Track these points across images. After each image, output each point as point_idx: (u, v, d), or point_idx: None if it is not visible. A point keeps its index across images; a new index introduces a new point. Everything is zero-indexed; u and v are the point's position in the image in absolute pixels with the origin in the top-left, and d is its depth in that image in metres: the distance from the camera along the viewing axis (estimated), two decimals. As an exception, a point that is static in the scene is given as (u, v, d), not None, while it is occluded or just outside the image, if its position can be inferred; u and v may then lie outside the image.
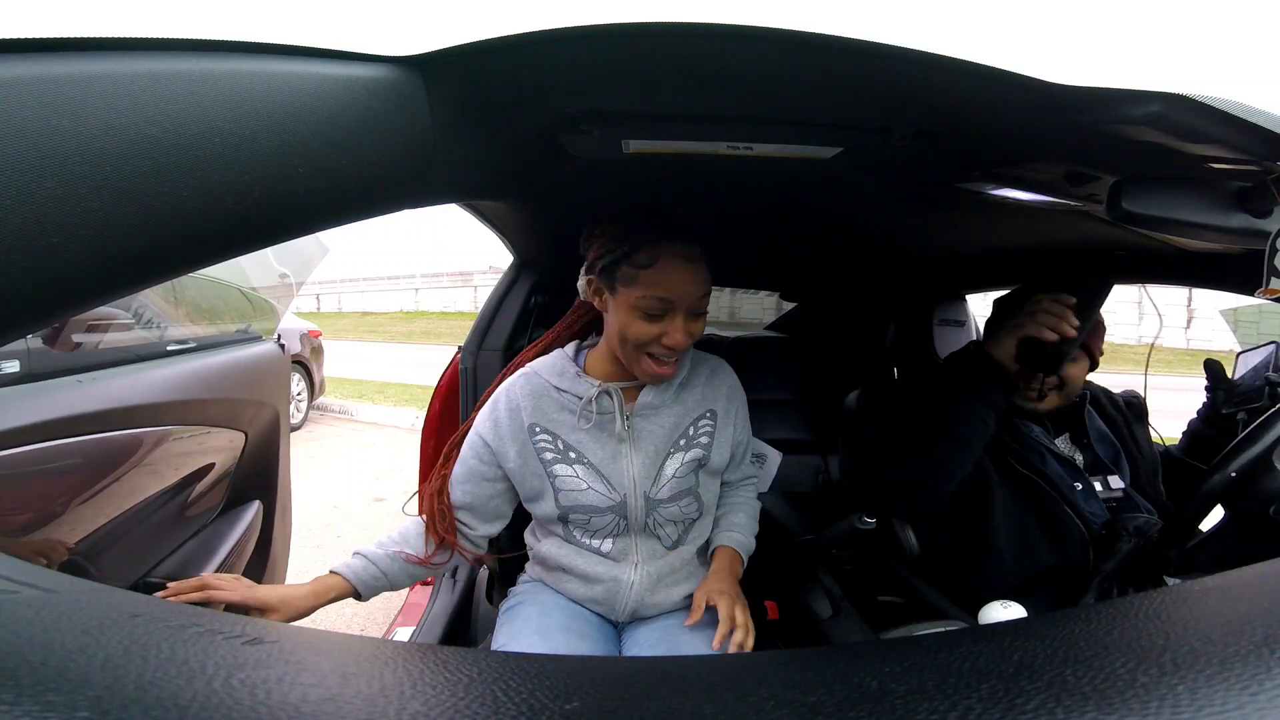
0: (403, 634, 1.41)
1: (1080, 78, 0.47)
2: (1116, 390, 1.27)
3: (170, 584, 0.84)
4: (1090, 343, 1.10)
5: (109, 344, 1.15)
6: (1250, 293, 0.87)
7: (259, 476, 1.51)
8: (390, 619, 1.51)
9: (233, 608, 0.85)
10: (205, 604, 0.83)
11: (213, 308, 1.56)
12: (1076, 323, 0.90)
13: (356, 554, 0.95)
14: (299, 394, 5.18)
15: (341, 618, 2.33)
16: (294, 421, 5.04)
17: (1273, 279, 0.59)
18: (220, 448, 1.33)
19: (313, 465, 4.14)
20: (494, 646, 0.98)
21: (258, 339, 1.63)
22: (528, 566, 1.09)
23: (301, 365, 5.15)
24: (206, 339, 1.44)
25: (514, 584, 1.10)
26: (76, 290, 0.34)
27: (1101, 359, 1.15)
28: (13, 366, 0.93)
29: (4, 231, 0.28)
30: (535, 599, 1.01)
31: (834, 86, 0.58)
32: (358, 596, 0.94)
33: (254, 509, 1.47)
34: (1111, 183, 0.63)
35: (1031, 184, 0.82)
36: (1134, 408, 1.22)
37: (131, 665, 0.23)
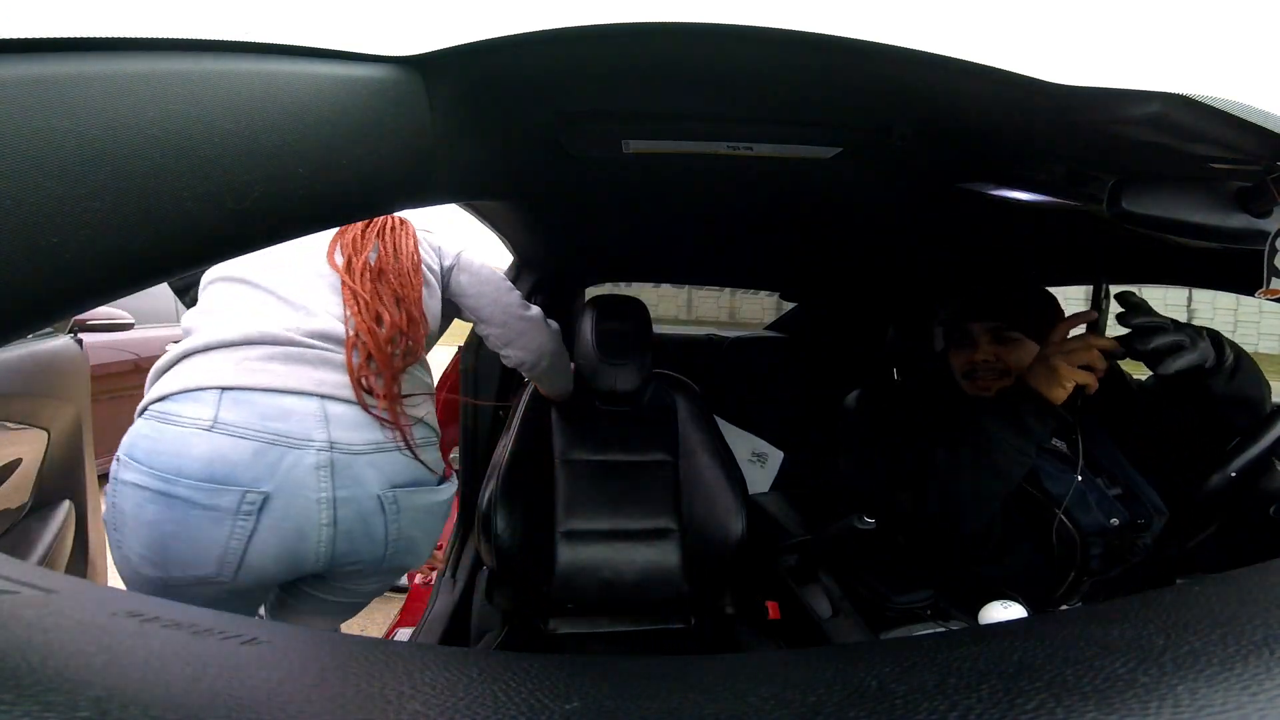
0: (403, 634, 1.41)
1: (1080, 78, 0.47)
2: None
3: None
4: (1036, 323, 1.10)
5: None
6: (1250, 293, 0.87)
7: (66, 476, 1.46)
8: (390, 619, 1.51)
9: None
10: None
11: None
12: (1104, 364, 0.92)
13: None
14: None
15: (341, 618, 2.32)
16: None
17: (1273, 279, 0.59)
18: (23, 445, 1.28)
19: (313, 465, 4.11)
20: None
21: (49, 334, 1.50)
22: None
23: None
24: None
25: (515, 586, 1.09)
26: (76, 290, 0.34)
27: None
28: None
29: (4, 231, 0.28)
30: None
31: (834, 86, 0.58)
32: None
33: (65, 508, 1.43)
34: (1111, 183, 0.63)
35: (1031, 184, 0.81)
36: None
37: (131, 665, 0.23)
